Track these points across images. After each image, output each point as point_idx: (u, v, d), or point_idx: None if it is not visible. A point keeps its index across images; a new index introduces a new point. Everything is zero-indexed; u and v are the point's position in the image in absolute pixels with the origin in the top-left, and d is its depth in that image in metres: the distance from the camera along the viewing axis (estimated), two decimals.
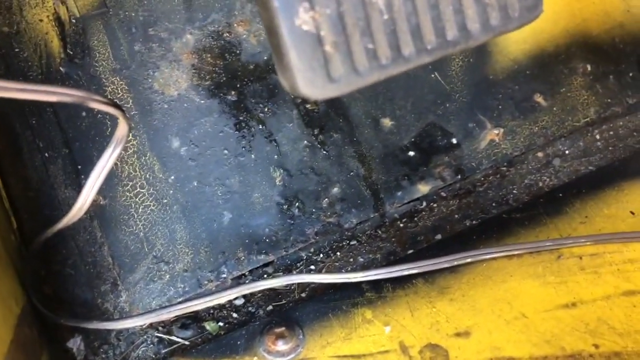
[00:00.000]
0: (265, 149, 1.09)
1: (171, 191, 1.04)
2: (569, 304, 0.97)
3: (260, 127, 1.10)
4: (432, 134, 1.15)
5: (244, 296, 1.03)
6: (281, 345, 0.93)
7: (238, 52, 1.12)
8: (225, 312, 1.02)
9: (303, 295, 1.04)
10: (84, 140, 1.03)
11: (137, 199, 1.03)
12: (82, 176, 1.02)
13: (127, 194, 1.03)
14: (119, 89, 1.06)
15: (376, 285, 0.99)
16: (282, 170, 1.08)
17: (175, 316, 0.98)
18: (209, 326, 1.00)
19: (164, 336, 0.99)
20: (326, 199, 1.09)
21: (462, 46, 0.63)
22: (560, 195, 1.11)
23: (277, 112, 1.11)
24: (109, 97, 1.05)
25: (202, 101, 1.09)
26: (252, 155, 1.08)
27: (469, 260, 0.98)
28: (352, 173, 1.11)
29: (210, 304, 0.97)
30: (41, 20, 1.07)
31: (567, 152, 1.20)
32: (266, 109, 1.10)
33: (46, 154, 1.02)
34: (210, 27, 1.11)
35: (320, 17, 0.57)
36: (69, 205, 0.92)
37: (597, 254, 1.02)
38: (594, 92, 1.23)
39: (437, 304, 0.97)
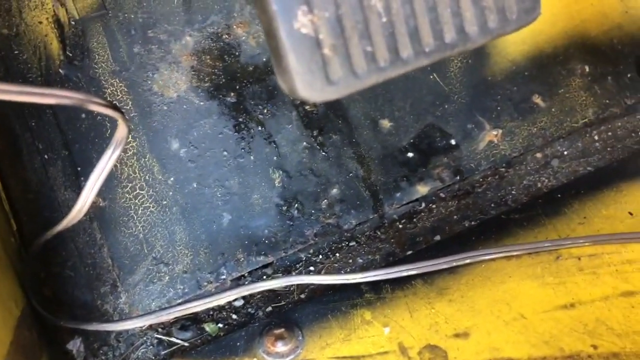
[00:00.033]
0: (265, 151, 1.09)
1: (171, 193, 1.04)
2: (567, 305, 0.97)
3: (260, 128, 1.10)
4: (430, 135, 1.15)
5: (244, 297, 1.03)
6: (280, 347, 0.93)
7: (237, 53, 1.12)
8: (224, 313, 1.02)
9: (302, 296, 1.04)
10: (84, 142, 1.03)
11: (136, 201, 1.03)
12: (82, 178, 1.02)
13: (127, 195, 1.03)
14: (118, 90, 1.06)
15: (375, 287, 0.99)
16: (281, 172, 1.09)
17: (175, 317, 0.98)
18: (209, 327, 1.00)
19: (164, 337, 0.99)
20: (325, 200, 1.09)
21: (460, 49, 0.63)
22: (559, 196, 1.12)
23: (277, 114, 1.11)
24: (109, 99, 1.05)
25: (202, 103, 1.09)
26: (252, 157, 1.08)
27: (467, 261, 0.98)
28: (351, 174, 1.11)
29: (210, 306, 0.97)
30: (40, 23, 1.07)
31: (565, 153, 1.20)
32: (265, 111, 1.11)
33: (46, 156, 1.02)
34: (209, 29, 1.12)
35: (318, 20, 0.57)
36: (69, 207, 0.92)
37: (595, 254, 1.02)
38: (592, 93, 1.23)
39: (436, 305, 0.98)
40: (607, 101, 1.23)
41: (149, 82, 1.08)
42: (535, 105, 1.20)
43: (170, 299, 1.00)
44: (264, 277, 1.05)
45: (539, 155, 1.20)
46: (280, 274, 1.05)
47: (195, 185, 1.05)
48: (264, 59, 1.13)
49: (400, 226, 1.11)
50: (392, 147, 1.13)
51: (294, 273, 1.06)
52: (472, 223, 1.12)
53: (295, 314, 0.97)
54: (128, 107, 1.06)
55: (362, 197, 1.10)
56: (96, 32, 1.08)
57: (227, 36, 1.12)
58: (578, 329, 0.95)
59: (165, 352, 0.98)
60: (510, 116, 1.19)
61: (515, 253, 1.01)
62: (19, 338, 0.82)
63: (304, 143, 1.11)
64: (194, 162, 1.06)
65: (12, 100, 0.54)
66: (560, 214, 1.09)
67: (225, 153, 1.07)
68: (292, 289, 1.04)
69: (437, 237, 1.10)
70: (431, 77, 1.17)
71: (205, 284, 1.02)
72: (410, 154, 1.14)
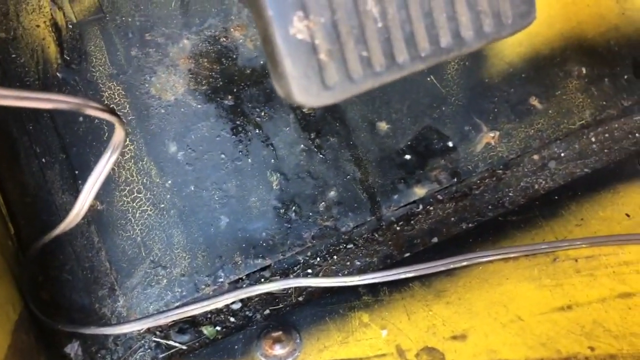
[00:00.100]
0: (262, 153, 1.09)
1: (168, 196, 1.04)
2: (564, 307, 0.97)
3: (257, 131, 1.10)
4: (428, 137, 1.15)
5: (241, 300, 1.03)
6: (278, 350, 0.93)
7: (235, 56, 1.12)
8: (222, 316, 1.02)
9: (300, 299, 1.04)
10: (81, 145, 1.03)
11: (134, 204, 1.03)
12: (80, 181, 1.02)
13: (125, 199, 1.03)
14: (115, 94, 1.07)
15: (373, 289, 0.99)
16: (278, 174, 1.09)
17: (173, 321, 0.98)
18: (207, 330, 1.01)
19: (162, 341, 0.99)
20: (323, 203, 1.09)
21: (456, 53, 0.63)
22: (556, 197, 1.12)
23: (274, 117, 1.11)
24: (106, 102, 1.05)
25: (199, 106, 1.09)
26: (249, 160, 1.08)
27: (465, 263, 0.99)
28: (348, 177, 1.11)
29: (208, 309, 0.97)
30: (38, 26, 1.07)
31: (562, 154, 1.21)
32: (263, 113, 1.11)
33: (43, 160, 1.02)
34: (207, 32, 1.12)
35: (314, 25, 0.57)
36: (67, 211, 0.92)
37: (592, 256, 1.02)
38: (589, 95, 1.23)
39: (434, 307, 0.98)
40: (604, 103, 1.24)
41: (147, 85, 1.08)
42: (532, 107, 1.21)
43: (168, 302, 1.00)
44: (262, 280, 1.05)
45: (536, 157, 1.20)
46: (278, 277, 1.06)
47: (192, 188, 1.05)
48: (262, 62, 1.13)
49: (398, 228, 1.12)
50: (390, 150, 1.14)
51: (291, 276, 1.06)
52: (470, 225, 1.12)
53: (293, 316, 0.97)
54: (125, 110, 1.06)
55: (360, 199, 1.10)
56: (94, 36, 1.08)
57: (224, 39, 1.12)
58: (575, 330, 0.95)
59: (163, 355, 0.99)
60: (507, 118, 1.19)
61: (512, 255, 1.01)
62: (16, 342, 0.82)
63: (302, 145, 1.11)
64: (191, 165, 1.06)
65: (9, 105, 0.54)
66: (558, 215, 1.09)
67: (222, 156, 1.08)
68: (289, 291, 1.05)
69: (435, 239, 1.11)
70: (428, 79, 1.18)
71: (203, 287, 1.02)
72: (407, 156, 1.14)
